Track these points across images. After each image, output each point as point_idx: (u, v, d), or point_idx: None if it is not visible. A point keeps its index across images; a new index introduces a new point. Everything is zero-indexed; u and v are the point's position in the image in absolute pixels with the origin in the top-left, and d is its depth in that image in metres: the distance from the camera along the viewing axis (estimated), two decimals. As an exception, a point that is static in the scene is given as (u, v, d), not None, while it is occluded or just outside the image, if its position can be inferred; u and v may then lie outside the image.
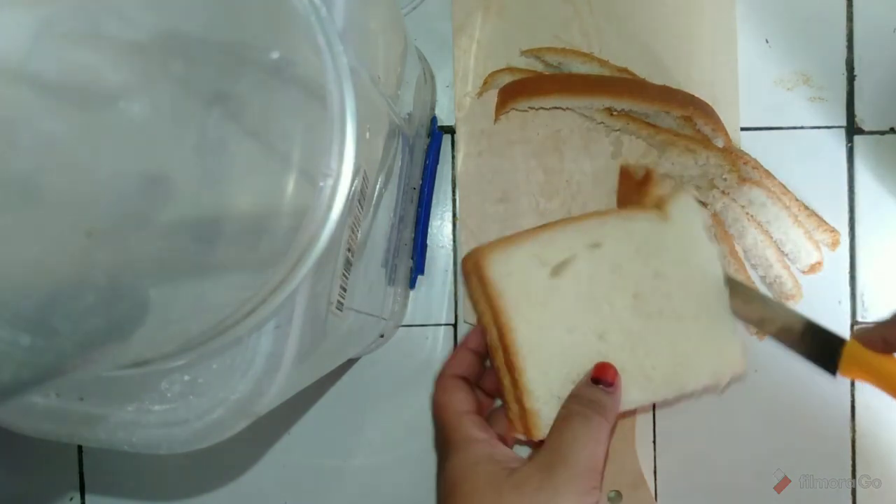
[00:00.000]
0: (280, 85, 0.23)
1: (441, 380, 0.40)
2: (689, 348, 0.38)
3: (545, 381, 0.37)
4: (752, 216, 0.44)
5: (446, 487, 0.36)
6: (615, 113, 0.43)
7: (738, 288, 0.39)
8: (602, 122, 0.44)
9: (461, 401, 0.39)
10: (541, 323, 0.37)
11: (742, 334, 0.40)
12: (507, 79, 0.45)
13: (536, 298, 0.37)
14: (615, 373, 0.37)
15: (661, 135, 0.42)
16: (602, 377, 0.37)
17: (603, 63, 0.44)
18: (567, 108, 0.45)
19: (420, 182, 0.45)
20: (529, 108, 0.45)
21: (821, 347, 0.37)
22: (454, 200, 0.47)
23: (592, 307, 0.38)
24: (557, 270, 0.38)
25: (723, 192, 0.43)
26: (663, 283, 0.38)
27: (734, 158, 0.43)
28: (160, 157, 0.18)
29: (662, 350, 0.38)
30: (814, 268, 0.45)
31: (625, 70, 0.45)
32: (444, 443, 0.38)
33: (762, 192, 0.43)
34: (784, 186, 0.44)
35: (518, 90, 0.44)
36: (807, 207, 0.44)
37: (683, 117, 0.43)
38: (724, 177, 0.43)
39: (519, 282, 0.37)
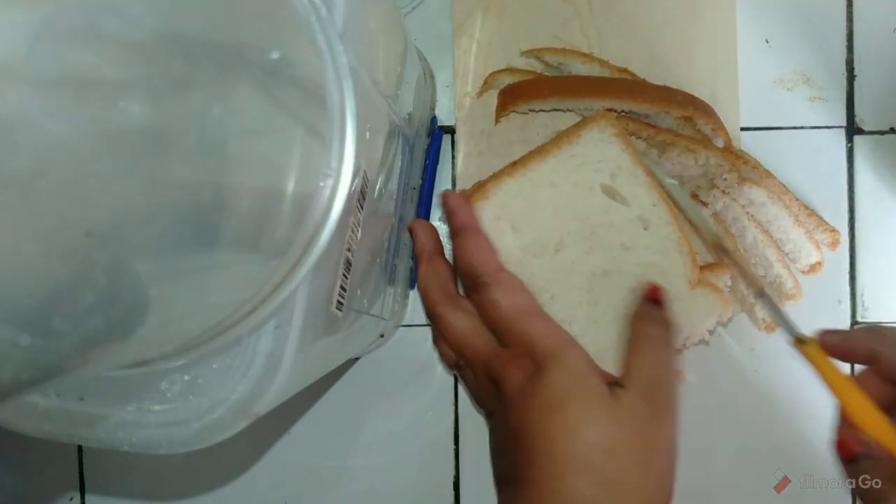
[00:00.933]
0: (280, 85, 0.23)
1: (495, 275, 0.35)
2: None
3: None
4: (752, 216, 0.44)
5: (546, 405, 0.32)
6: (615, 114, 0.43)
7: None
8: None
9: (531, 297, 0.35)
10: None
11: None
12: (507, 79, 0.45)
13: None
14: (662, 292, 0.36)
15: (662, 135, 0.42)
16: (656, 296, 0.35)
17: (603, 63, 0.44)
18: (567, 110, 0.45)
19: (420, 182, 0.45)
20: (530, 110, 0.45)
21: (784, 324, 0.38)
22: (454, 200, 0.47)
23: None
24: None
25: (723, 192, 0.43)
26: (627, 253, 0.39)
27: (734, 158, 0.43)
28: (160, 158, 0.18)
29: (618, 312, 0.38)
30: (814, 268, 0.45)
31: (625, 70, 0.45)
32: (530, 351, 0.33)
33: (762, 192, 0.43)
34: (784, 186, 0.44)
35: (517, 93, 0.44)
36: (807, 207, 0.44)
37: (684, 117, 0.43)
38: (724, 177, 0.43)
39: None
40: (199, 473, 0.48)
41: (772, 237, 0.44)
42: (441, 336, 0.36)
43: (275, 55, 0.22)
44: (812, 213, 0.44)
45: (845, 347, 0.34)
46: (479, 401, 0.36)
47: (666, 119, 0.43)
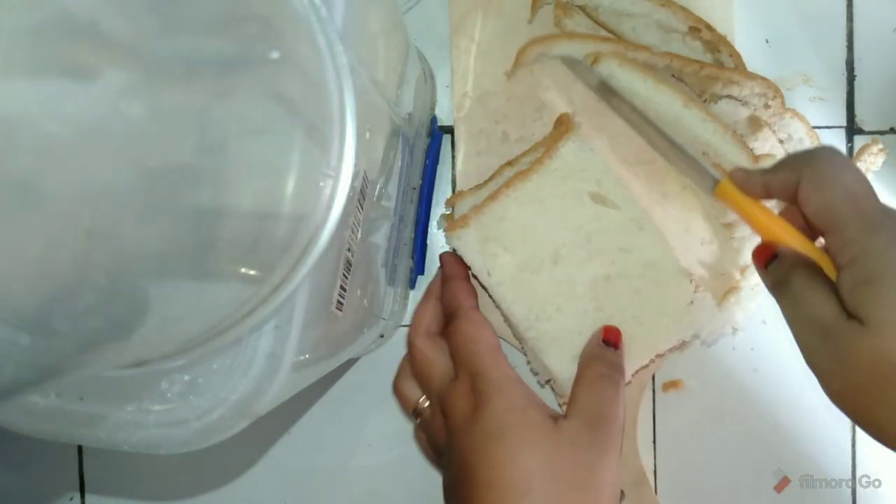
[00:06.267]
0: (280, 85, 0.23)
1: (466, 312, 0.38)
2: (649, 310, 0.40)
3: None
4: (789, 153, 0.44)
5: (488, 434, 0.34)
6: (656, 52, 0.43)
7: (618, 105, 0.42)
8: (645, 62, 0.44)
9: (492, 336, 0.38)
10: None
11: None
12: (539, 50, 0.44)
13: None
14: (620, 335, 0.38)
15: (706, 69, 0.42)
16: (611, 340, 0.38)
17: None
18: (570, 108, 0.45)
19: (420, 182, 0.45)
20: (556, 56, 0.44)
21: (702, 176, 0.39)
22: (454, 200, 0.47)
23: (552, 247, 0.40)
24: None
25: (766, 124, 0.43)
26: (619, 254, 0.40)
27: (774, 85, 0.43)
28: (160, 158, 0.18)
29: (626, 314, 0.39)
30: None
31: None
32: (476, 381, 0.35)
33: (802, 127, 0.43)
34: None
35: (549, 37, 0.44)
36: None
37: (691, 28, 0.43)
38: (768, 104, 0.42)
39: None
40: (199, 473, 0.48)
41: None
42: (410, 366, 0.40)
43: (275, 55, 0.22)
44: None
45: (759, 181, 0.35)
46: (434, 442, 0.38)
47: (675, 44, 0.43)
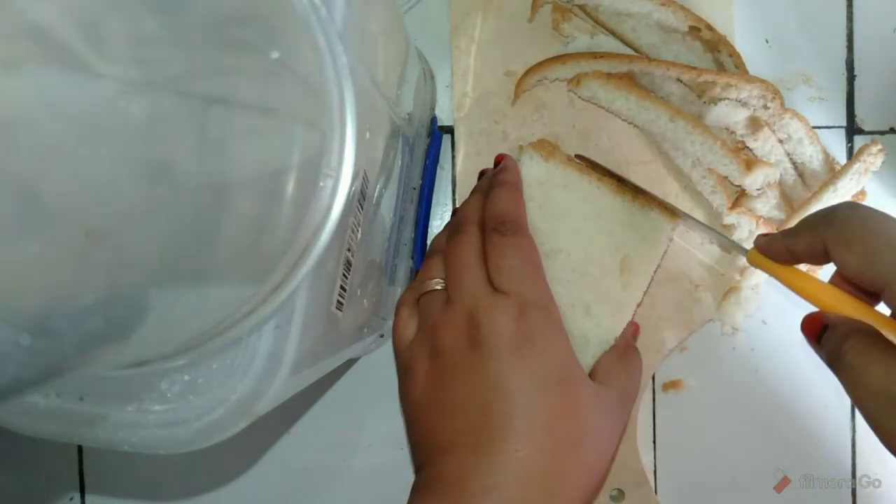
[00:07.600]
0: (280, 85, 0.23)
1: (525, 228, 0.37)
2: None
3: None
4: (789, 153, 0.44)
5: (554, 370, 0.33)
6: (653, 60, 0.43)
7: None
8: (641, 71, 0.44)
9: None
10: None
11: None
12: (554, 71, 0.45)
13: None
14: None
15: (704, 75, 0.42)
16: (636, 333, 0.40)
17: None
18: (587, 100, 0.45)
19: (420, 182, 0.45)
20: (544, 78, 0.45)
21: (733, 248, 0.40)
22: (454, 200, 0.47)
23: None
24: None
25: (766, 123, 0.43)
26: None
27: (773, 87, 0.43)
28: (160, 158, 0.18)
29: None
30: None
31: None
32: (539, 305, 0.34)
33: (802, 127, 0.43)
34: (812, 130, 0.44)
35: (545, 62, 0.44)
36: (827, 153, 0.44)
37: (691, 28, 0.43)
38: (767, 105, 0.42)
39: None
40: (199, 473, 0.48)
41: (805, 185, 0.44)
42: (448, 253, 0.36)
43: (275, 55, 0.22)
44: (835, 160, 0.44)
45: (781, 246, 0.33)
46: (435, 337, 0.34)
47: (674, 47, 0.44)
